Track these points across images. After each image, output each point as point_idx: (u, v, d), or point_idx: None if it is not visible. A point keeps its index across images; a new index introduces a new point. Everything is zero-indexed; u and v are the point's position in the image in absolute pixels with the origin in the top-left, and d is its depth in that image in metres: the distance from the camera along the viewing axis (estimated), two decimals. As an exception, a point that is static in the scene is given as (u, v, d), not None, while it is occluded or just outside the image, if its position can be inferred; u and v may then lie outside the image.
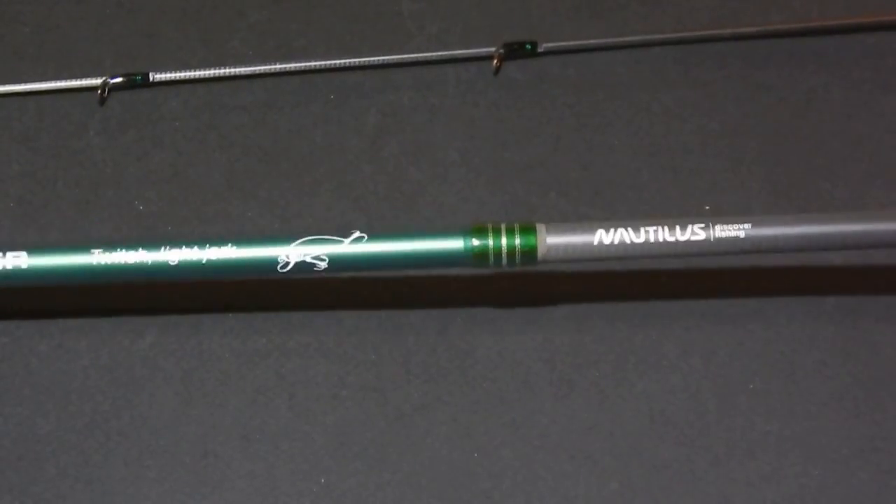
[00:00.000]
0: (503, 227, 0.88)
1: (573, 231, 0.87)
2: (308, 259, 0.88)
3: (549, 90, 1.10)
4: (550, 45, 1.11)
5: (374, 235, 0.88)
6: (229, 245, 0.88)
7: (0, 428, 0.92)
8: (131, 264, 0.88)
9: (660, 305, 0.97)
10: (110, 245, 0.88)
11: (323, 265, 0.88)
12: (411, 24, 1.14)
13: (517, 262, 0.88)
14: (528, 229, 0.87)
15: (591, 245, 0.87)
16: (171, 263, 0.88)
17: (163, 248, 0.88)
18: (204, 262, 0.88)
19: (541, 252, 0.87)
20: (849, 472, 0.90)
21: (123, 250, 0.88)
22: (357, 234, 0.88)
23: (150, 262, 0.88)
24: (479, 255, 0.88)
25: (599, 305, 0.98)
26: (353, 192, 1.04)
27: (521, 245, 0.87)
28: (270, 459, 0.91)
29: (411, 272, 0.97)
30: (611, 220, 0.87)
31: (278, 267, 0.88)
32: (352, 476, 0.91)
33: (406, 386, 0.94)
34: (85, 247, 0.88)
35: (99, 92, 1.08)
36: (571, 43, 1.11)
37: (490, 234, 0.88)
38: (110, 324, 0.97)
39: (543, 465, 0.91)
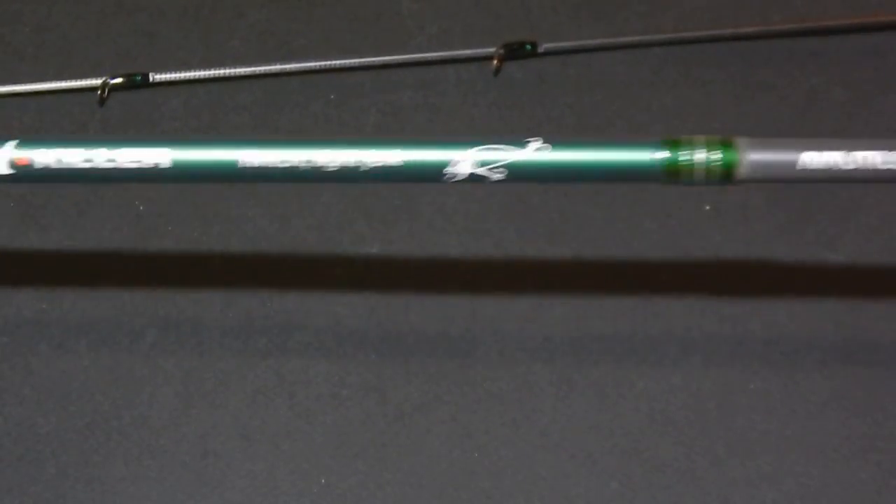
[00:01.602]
0: (702, 139, 0.80)
1: (776, 148, 0.79)
2: (482, 171, 0.79)
3: (549, 90, 1.10)
4: (550, 45, 1.11)
5: (558, 144, 0.80)
6: (393, 148, 0.80)
7: (0, 428, 0.92)
8: (283, 168, 0.80)
9: (660, 305, 0.97)
10: (260, 143, 0.80)
11: (499, 176, 0.80)
12: (411, 24, 1.14)
13: (713, 178, 0.80)
14: (727, 144, 0.79)
15: (793, 165, 0.79)
16: (328, 171, 0.80)
17: (320, 149, 0.80)
18: (364, 169, 0.79)
19: (740, 169, 0.79)
20: (849, 472, 0.90)
21: (276, 149, 0.80)
22: (539, 142, 0.80)
23: (304, 165, 0.80)
24: (672, 169, 0.80)
25: (599, 305, 0.98)
26: (354, 192, 1.04)
27: (719, 160, 0.79)
28: (270, 459, 0.91)
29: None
30: (817, 138, 0.79)
31: (445, 177, 0.79)
32: (352, 476, 0.91)
33: (406, 386, 0.94)
34: (231, 143, 0.81)
35: (99, 92, 1.08)
36: (571, 43, 1.11)
37: (686, 147, 0.80)
38: (110, 324, 0.97)
39: (543, 465, 0.91)
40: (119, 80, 1.08)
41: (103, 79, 1.08)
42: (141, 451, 0.91)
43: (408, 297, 0.98)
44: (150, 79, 1.09)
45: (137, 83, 1.09)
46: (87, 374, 0.94)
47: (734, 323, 0.97)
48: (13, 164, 0.81)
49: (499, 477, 0.91)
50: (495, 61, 1.10)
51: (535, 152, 0.79)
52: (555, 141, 0.80)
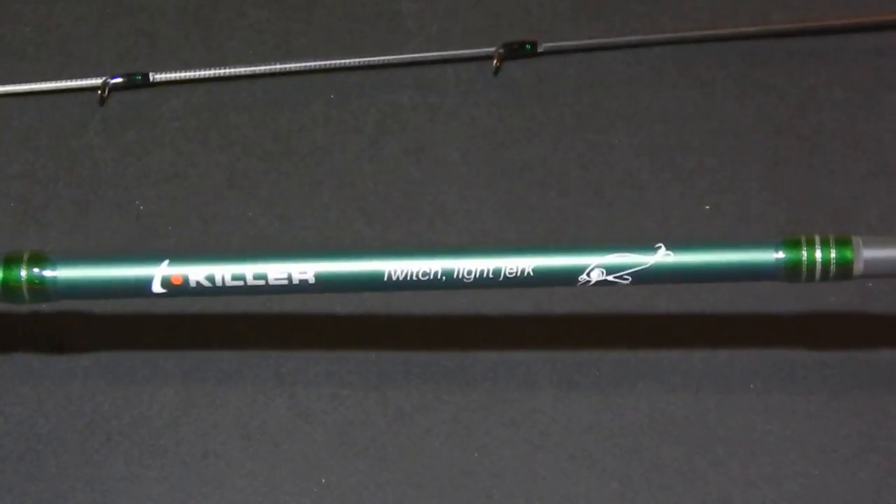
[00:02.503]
0: (817, 238, 0.83)
1: (892, 245, 0.82)
2: (611, 278, 0.83)
3: (549, 90, 1.10)
4: (550, 44, 1.11)
5: (679, 248, 0.83)
6: (528, 256, 0.83)
7: (0, 427, 0.92)
8: (424, 280, 0.83)
9: (660, 305, 0.97)
10: (399, 253, 0.84)
11: (626, 282, 0.83)
12: (411, 23, 1.14)
13: (831, 276, 0.83)
14: (843, 241, 0.82)
15: None
16: (466, 281, 0.83)
17: (457, 258, 0.83)
18: (501, 278, 0.83)
19: (857, 267, 0.82)
20: (849, 471, 0.90)
21: (414, 259, 0.83)
22: (662, 249, 0.83)
23: (443, 277, 0.83)
24: (792, 269, 0.83)
25: (599, 305, 0.98)
26: (353, 192, 1.04)
27: (836, 258, 0.82)
28: (270, 459, 0.91)
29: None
30: None
31: (579, 284, 0.83)
32: (352, 476, 0.91)
33: (406, 386, 0.94)
34: (373, 255, 0.84)
35: (99, 92, 1.08)
36: (571, 43, 1.11)
37: (804, 247, 0.83)
38: (110, 323, 0.97)
39: (543, 465, 0.91)
40: (119, 79, 1.08)
41: (103, 79, 1.08)
42: (141, 451, 0.91)
43: (408, 297, 0.98)
44: (151, 78, 1.09)
45: (137, 83, 1.09)
46: (87, 374, 0.94)
47: (734, 323, 0.97)
48: (167, 284, 0.84)
49: (499, 477, 0.91)
50: (495, 61, 1.10)
51: (659, 259, 0.82)
52: (677, 246, 0.83)
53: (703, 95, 1.09)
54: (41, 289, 0.84)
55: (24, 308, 0.95)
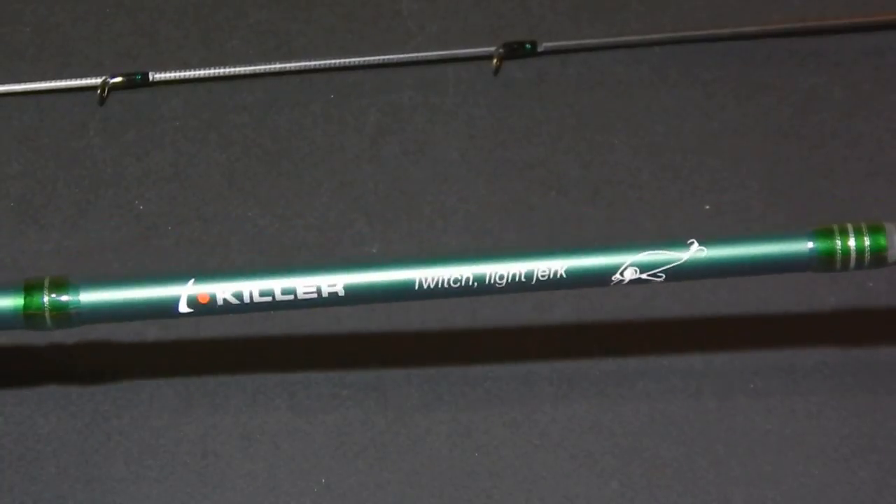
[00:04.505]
0: (850, 227, 0.83)
1: None
2: (645, 276, 0.83)
3: (549, 90, 1.10)
4: (550, 44, 1.11)
5: (711, 243, 0.83)
6: (559, 258, 0.83)
7: (0, 428, 0.92)
8: (455, 287, 0.83)
9: (660, 305, 0.97)
10: (429, 261, 0.83)
11: (660, 280, 0.83)
12: (411, 23, 1.14)
13: (866, 264, 0.83)
14: (876, 229, 0.82)
15: None
16: (499, 286, 0.83)
17: (488, 264, 0.83)
18: (534, 281, 0.83)
19: (891, 253, 0.82)
20: (849, 471, 0.90)
21: (445, 266, 0.83)
22: (695, 245, 0.83)
23: (475, 283, 0.83)
24: (826, 259, 0.83)
25: (599, 305, 0.98)
26: (353, 192, 1.04)
27: (870, 246, 0.82)
28: (270, 459, 0.91)
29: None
30: None
31: (612, 283, 0.83)
32: (352, 476, 0.91)
33: (406, 386, 0.94)
34: (403, 264, 0.83)
35: (99, 91, 1.08)
36: (571, 42, 1.11)
37: (837, 236, 0.83)
38: (111, 324, 0.97)
39: (543, 465, 0.91)
40: (119, 79, 1.08)
41: (103, 78, 1.08)
42: (141, 451, 0.91)
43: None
44: (150, 78, 1.09)
45: (137, 82, 1.09)
46: (87, 374, 0.94)
47: (734, 323, 0.97)
48: (194, 303, 0.83)
49: (499, 477, 0.91)
50: (495, 60, 1.10)
51: (693, 255, 0.82)
52: (709, 241, 0.82)
53: (703, 95, 1.09)
54: (65, 315, 0.83)
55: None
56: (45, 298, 0.83)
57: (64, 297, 0.83)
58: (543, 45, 1.10)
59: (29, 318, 0.83)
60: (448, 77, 1.10)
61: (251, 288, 0.83)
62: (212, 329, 0.96)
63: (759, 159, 1.05)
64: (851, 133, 1.07)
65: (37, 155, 1.06)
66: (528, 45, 1.10)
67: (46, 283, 0.83)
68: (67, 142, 1.07)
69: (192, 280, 0.83)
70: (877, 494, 0.89)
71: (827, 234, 0.83)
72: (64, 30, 1.13)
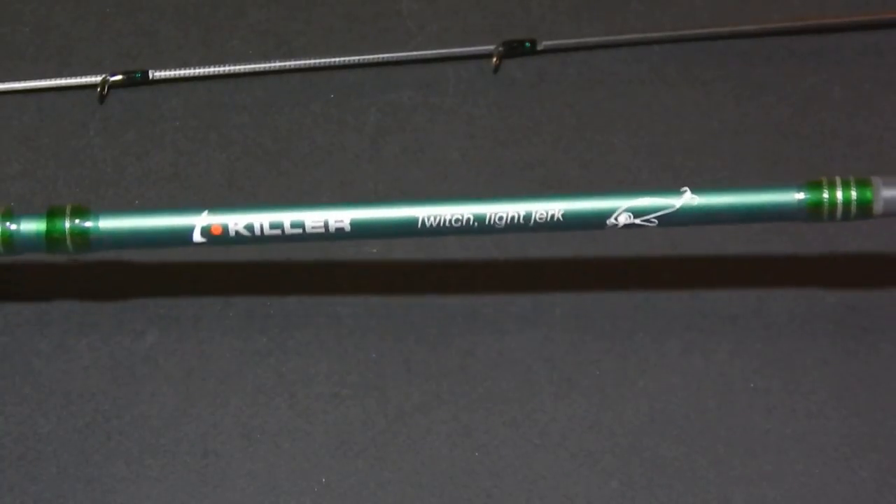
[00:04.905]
0: (838, 179, 0.86)
1: None
2: (638, 221, 0.86)
3: (549, 88, 1.10)
4: (550, 43, 1.11)
5: (703, 191, 0.87)
6: (557, 201, 0.87)
7: (0, 427, 0.92)
8: (455, 226, 0.87)
9: (660, 305, 0.97)
10: (432, 201, 0.87)
11: (653, 225, 0.87)
12: (411, 22, 1.14)
13: (852, 216, 0.87)
14: (863, 182, 0.86)
15: None
16: (498, 226, 0.87)
17: (488, 205, 0.87)
18: (531, 223, 0.87)
19: (876, 206, 0.86)
20: (849, 471, 0.90)
21: (448, 206, 0.87)
22: (688, 193, 0.86)
23: (475, 223, 0.87)
24: (814, 209, 0.87)
25: (599, 305, 0.98)
26: (353, 192, 1.04)
27: (856, 198, 0.86)
28: (270, 459, 0.91)
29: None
30: None
31: (607, 227, 0.87)
32: (352, 476, 0.91)
33: (406, 385, 0.94)
34: (407, 203, 0.88)
35: (99, 90, 1.08)
36: (571, 41, 1.11)
37: (825, 188, 0.86)
38: (111, 323, 0.97)
39: (543, 465, 0.91)
40: (118, 77, 1.08)
41: (103, 77, 1.08)
42: (141, 451, 0.91)
43: (408, 297, 0.98)
44: (150, 77, 1.09)
45: (137, 80, 1.09)
46: (87, 374, 0.94)
47: (734, 323, 0.97)
48: (207, 233, 0.87)
49: (499, 477, 0.91)
50: (495, 59, 1.10)
51: (685, 202, 0.86)
52: (702, 189, 0.86)
53: (703, 95, 1.09)
54: (85, 240, 0.88)
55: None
56: (67, 223, 0.88)
57: (85, 223, 0.88)
58: (543, 44, 1.10)
59: (51, 241, 0.88)
60: (448, 76, 1.10)
61: (262, 220, 0.87)
62: (212, 329, 0.96)
63: (759, 159, 1.05)
64: (851, 133, 1.07)
65: (37, 154, 1.06)
66: (527, 44, 1.10)
67: (68, 209, 0.88)
68: (67, 141, 1.07)
69: (206, 211, 0.87)
70: (877, 494, 0.89)
71: (816, 185, 0.86)
72: (64, 29, 1.13)
